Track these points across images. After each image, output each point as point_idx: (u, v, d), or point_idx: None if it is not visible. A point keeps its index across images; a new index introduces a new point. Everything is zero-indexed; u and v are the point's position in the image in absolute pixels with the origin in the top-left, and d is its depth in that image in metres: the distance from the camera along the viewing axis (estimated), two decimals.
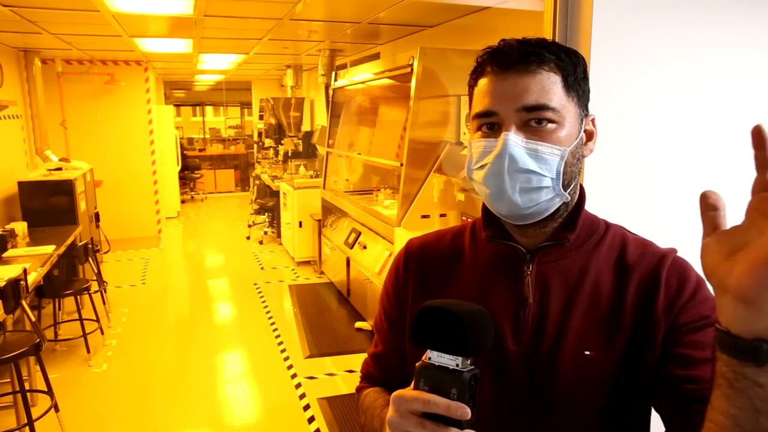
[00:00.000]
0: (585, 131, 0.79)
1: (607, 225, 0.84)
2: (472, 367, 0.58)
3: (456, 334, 0.58)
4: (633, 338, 0.76)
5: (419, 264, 0.90)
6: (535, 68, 0.73)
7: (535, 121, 0.74)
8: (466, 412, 0.56)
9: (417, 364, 0.60)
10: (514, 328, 0.79)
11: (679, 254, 0.81)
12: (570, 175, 0.77)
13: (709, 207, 0.55)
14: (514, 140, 0.73)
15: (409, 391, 0.59)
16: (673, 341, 0.74)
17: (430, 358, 0.59)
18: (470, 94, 0.81)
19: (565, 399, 0.76)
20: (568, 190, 0.77)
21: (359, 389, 0.99)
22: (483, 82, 0.77)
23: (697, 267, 0.79)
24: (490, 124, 0.76)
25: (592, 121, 0.81)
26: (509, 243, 0.82)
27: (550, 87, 0.74)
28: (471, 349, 0.58)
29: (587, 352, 0.76)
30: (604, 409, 0.76)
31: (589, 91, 0.80)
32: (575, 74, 0.76)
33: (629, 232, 0.85)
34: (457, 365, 0.58)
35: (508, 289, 0.81)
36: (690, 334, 0.74)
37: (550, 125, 0.74)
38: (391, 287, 0.93)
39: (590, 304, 0.78)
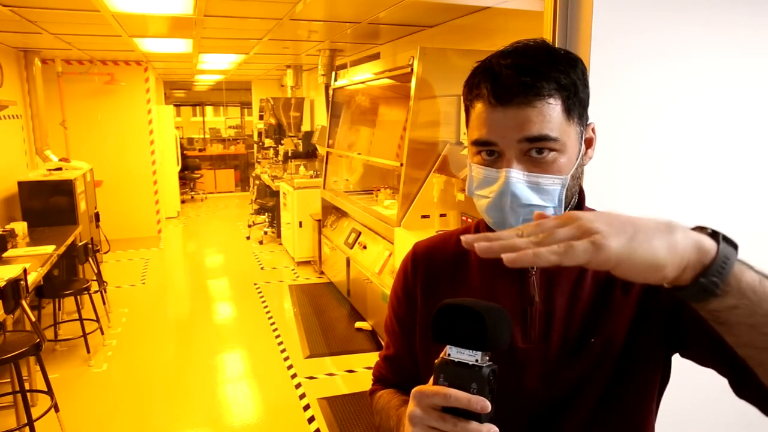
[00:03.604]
0: (585, 141, 0.79)
1: None
2: (491, 362, 0.60)
3: (476, 329, 0.59)
4: (636, 322, 0.78)
5: (426, 267, 0.91)
6: (535, 99, 0.72)
7: (536, 150, 0.73)
8: (486, 405, 0.57)
9: (436, 360, 0.61)
10: (522, 326, 0.80)
11: None
12: (571, 196, 0.78)
13: None
14: (516, 177, 0.73)
15: (429, 387, 0.61)
16: (683, 309, 0.75)
17: (449, 355, 0.61)
18: (467, 112, 0.80)
19: (575, 390, 0.78)
20: (569, 208, 0.79)
21: (372, 392, 1.00)
22: (480, 108, 0.75)
23: None
24: (489, 151, 0.76)
25: (592, 129, 0.81)
26: None
27: (550, 115, 0.72)
28: (490, 343, 0.59)
29: (592, 340, 0.78)
30: (609, 387, 0.78)
31: (588, 97, 0.79)
32: (576, 93, 0.75)
33: None
34: (477, 360, 0.59)
35: (515, 290, 0.82)
36: None
37: (551, 154, 0.74)
38: (400, 290, 0.94)
39: (593, 295, 0.80)
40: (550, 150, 0.73)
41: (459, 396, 0.58)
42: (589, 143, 0.81)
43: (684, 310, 0.76)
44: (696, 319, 0.70)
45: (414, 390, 0.62)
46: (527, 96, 0.72)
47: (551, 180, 0.74)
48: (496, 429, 0.58)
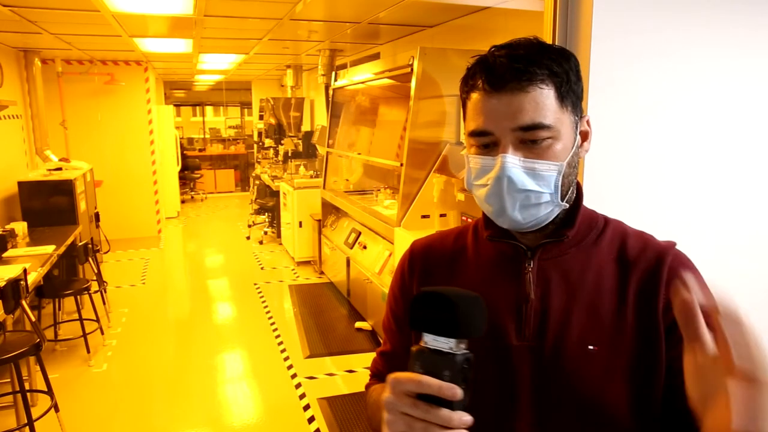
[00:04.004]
0: (580, 133, 0.80)
1: (606, 220, 0.86)
2: (467, 351, 0.60)
3: (449, 316, 0.59)
4: (640, 336, 0.77)
5: (423, 264, 0.92)
6: (528, 85, 0.73)
7: (530, 138, 0.74)
8: (456, 392, 0.57)
9: (413, 348, 0.62)
10: (517, 323, 0.80)
11: (678, 248, 0.82)
12: (568, 184, 0.79)
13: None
14: (512, 162, 0.74)
15: (404, 374, 0.61)
16: (674, 350, 0.75)
17: (425, 342, 0.61)
18: (463, 106, 0.81)
19: (571, 394, 0.77)
20: (566, 198, 0.79)
21: (367, 386, 1.01)
22: (475, 98, 0.77)
23: (695, 261, 0.80)
24: (486, 142, 0.77)
25: (587, 121, 0.82)
26: (510, 241, 0.83)
27: (543, 103, 0.74)
28: (462, 330, 0.59)
29: (591, 347, 0.77)
30: (621, 406, 0.76)
31: (582, 91, 0.80)
32: (569, 82, 0.76)
33: (628, 226, 0.86)
34: (450, 348, 0.59)
35: (510, 286, 0.82)
36: None
37: (546, 141, 0.75)
38: (397, 288, 0.95)
39: (592, 299, 0.79)
40: (544, 137, 0.74)
41: (430, 382, 0.58)
42: (584, 136, 0.82)
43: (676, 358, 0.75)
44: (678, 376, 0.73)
45: (389, 376, 0.62)
46: (520, 81, 0.73)
47: (547, 166, 0.75)
48: (469, 417, 0.58)
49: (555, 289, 0.80)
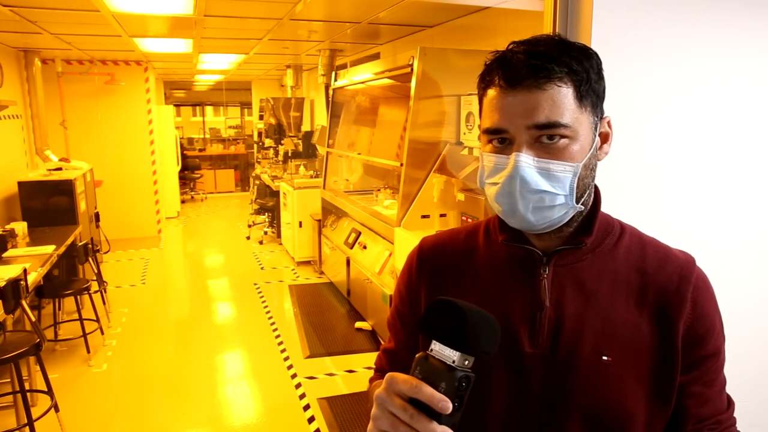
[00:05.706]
0: (600, 134, 0.78)
1: (622, 226, 0.84)
2: (470, 370, 0.59)
3: (459, 327, 0.60)
4: (656, 351, 0.76)
5: (432, 265, 0.89)
6: (545, 82, 0.71)
7: (546, 137, 0.72)
8: (446, 405, 0.57)
9: (418, 354, 0.62)
10: (531, 330, 0.78)
11: (698, 265, 0.81)
12: (584, 187, 0.76)
13: None
14: (526, 161, 0.72)
15: (402, 375, 0.61)
16: (690, 374, 0.76)
17: (431, 350, 0.61)
18: (480, 102, 0.79)
19: (582, 404, 0.75)
20: (582, 201, 0.77)
21: (371, 380, 1.00)
22: (492, 95, 0.75)
23: (703, 268, 0.81)
24: (500, 139, 0.75)
25: (608, 123, 0.79)
26: (525, 246, 0.81)
27: (561, 101, 0.71)
28: (469, 343, 0.59)
29: (605, 357, 0.75)
30: (633, 419, 0.76)
31: (604, 91, 0.77)
32: (589, 81, 0.73)
33: (644, 234, 0.84)
34: (454, 362, 0.59)
35: (525, 292, 0.80)
36: (706, 374, 0.77)
37: (562, 141, 0.72)
38: (403, 286, 0.93)
39: (607, 308, 0.77)
40: (561, 136, 0.72)
41: (424, 389, 0.58)
42: (604, 138, 0.79)
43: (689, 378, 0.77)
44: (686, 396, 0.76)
45: (388, 374, 0.62)
46: (537, 79, 0.71)
47: (562, 167, 0.72)
48: None
49: (570, 296, 0.78)
